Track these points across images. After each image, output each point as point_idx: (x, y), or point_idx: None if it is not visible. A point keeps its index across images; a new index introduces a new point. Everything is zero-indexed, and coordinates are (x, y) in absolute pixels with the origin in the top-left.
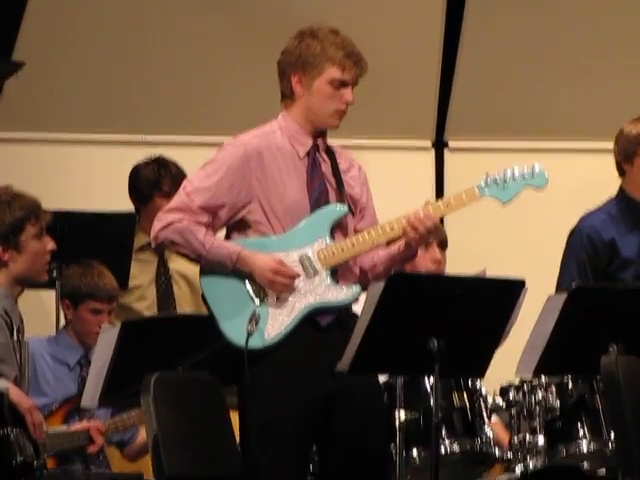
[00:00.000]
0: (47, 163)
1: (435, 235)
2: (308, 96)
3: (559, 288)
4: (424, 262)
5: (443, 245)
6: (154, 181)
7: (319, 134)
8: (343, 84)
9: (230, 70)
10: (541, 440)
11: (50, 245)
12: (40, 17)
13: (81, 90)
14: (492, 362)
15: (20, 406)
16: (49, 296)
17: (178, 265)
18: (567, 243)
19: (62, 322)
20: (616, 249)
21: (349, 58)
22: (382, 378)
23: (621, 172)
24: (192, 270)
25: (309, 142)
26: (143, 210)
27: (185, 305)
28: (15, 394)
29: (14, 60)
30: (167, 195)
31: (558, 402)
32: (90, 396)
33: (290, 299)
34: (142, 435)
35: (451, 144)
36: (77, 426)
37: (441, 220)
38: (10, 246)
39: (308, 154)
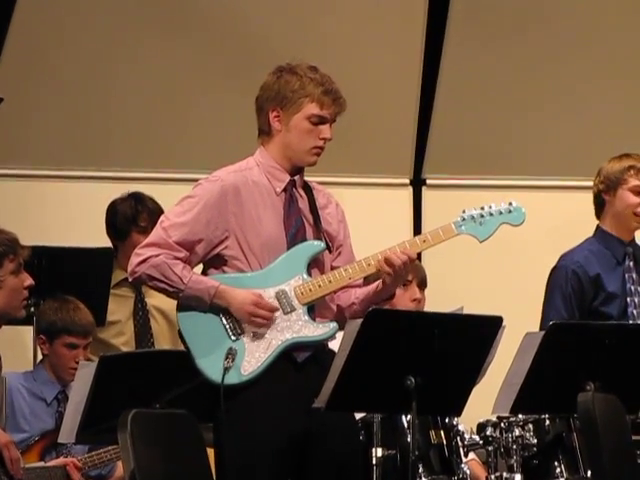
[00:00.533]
0: (25, 199)
1: (411, 272)
2: (286, 132)
3: (544, 326)
4: (403, 301)
5: (422, 284)
6: (131, 217)
7: (296, 170)
8: (321, 121)
9: (207, 107)
10: (518, 478)
11: (28, 281)
12: (18, 54)
13: (59, 126)
14: (469, 399)
15: None
16: (27, 332)
17: (155, 300)
18: (549, 280)
19: (40, 357)
20: (601, 283)
21: (328, 95)
22: (359, 415)
23: (599, 204)
24: (169, 305)
25: (286, 178)
26: (120, 246)
27: (163, 340)
28: None
29: None
30: (144, 230)
31: (535, 440)
32: (67, 432)
33: (267, 335)
34: (120, 470)
35: (429, 181)
36: (54, 462)
37: (418, 256)
38: None
39: (285, 190)
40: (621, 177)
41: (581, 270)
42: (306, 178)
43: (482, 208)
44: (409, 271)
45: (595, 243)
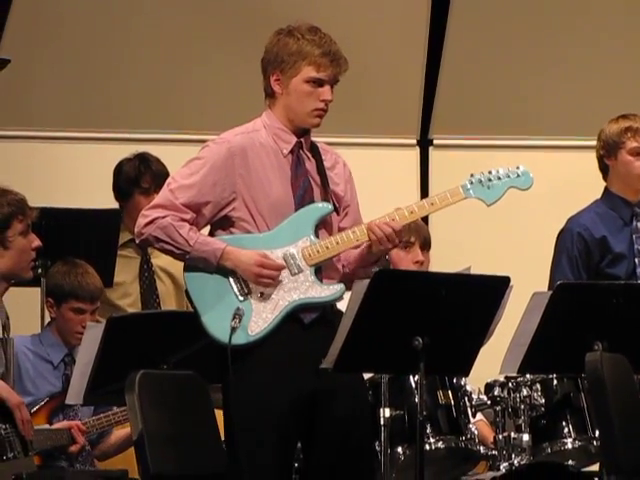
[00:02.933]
0: (32, 160)
1: (413, 233)
2: (286, 95)
3: (551, 288)
4: (406, 263)
5: (425, 246)
6: (134, 178)
7: (303, 132)
8: (320, 83)
9: (214, 68)
10: (526, 438)
11: (35, 242)
12: (25, 15)
13: (66, 87)
14: (477, 359)
15: (9, 402)
16: (35, 293)
17: (161, 261)
18: (556, 244)
19: (47, 320)
20: (608, 245)
21: (325, 56)
22: (367, 375)
23: (603, 169)
24: (175, 266)
25: (293, 140)
26: (125, 207)
27: (169, 301)
28: (4, 390)
29: (0, 57)
30: (146, 192)
31: (543, 399)
32: (75, 393)
33: (274, 296)
34: (114, 437)
35: (436, 141)
36: (59, 424)
37: (425, 219)
38: None
39: (292, 152)
40: (619, 140)
41: (587, 233)
42: (313, 138)
43: (490, 172)
44: (395, 241)
45: (602, 205)
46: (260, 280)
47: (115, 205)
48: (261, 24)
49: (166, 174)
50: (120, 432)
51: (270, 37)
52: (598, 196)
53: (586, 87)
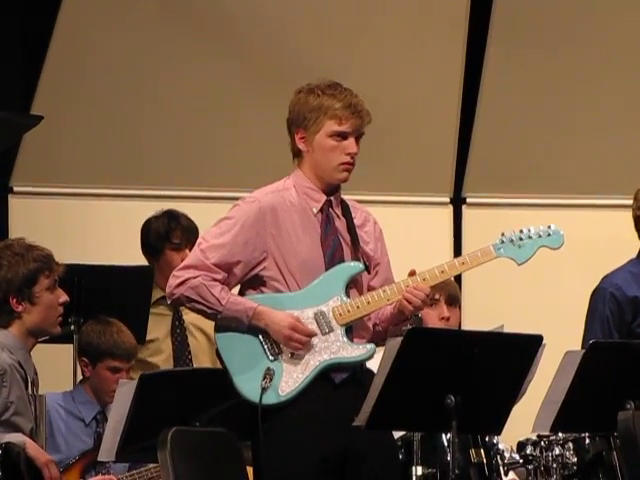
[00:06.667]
0: (63, 217)
1: (438, 290)
2: (312, 152)
3: (584, 347)
4: (432, 319)
5: (451, 301)
6: (164, 234)
7: (332, 190)
8: (344, 136)
9: (245, 125)
10: None
11: (63, 297)
12: (56, 73)
13: (96, 144)
14: (509, 417)
15: (37, 460)
16: (67, 350)
17: (193, 317)
18: (590, 303)
19: (79, 376)
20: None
21: (346, 109)
22: (399, 433)
23: (639, 230)
24: (206, 320)
25: (322, 198)
26: (155, 264)
27: (201, 356)
28: (32, 448)
29: (33, 114)
30: (178, 247)
31: (575, 458)
32: (107, 450)
33: (305, 356)
34: None
35: (469, 200)
36: None
37: (457, 277)
38: (24, 298)
39: (322, 210)
40: None
41: (619, 292)
42: (345, 196)
43: (521, 231)
44: (428, 303)
45: (636, 264)
46: (289, 343)
47: (146, 261)
48: (292, 80)
49: (195, 229)
50: None
51: (292, 97)
52: (633, 255)
53: (619, 146)
